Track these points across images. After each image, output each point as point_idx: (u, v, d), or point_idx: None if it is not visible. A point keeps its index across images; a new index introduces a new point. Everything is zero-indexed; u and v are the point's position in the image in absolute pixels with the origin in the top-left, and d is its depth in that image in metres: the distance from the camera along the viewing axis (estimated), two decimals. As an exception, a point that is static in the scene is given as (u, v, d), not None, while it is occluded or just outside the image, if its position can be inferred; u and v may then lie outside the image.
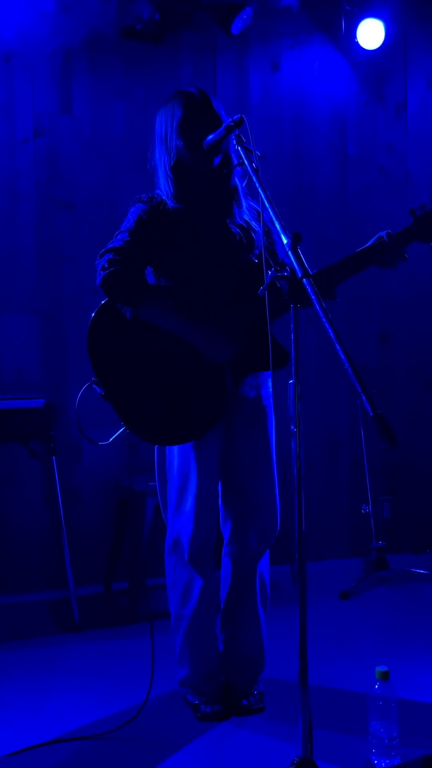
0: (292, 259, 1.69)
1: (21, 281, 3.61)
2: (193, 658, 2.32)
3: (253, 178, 1.89)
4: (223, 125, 2.08)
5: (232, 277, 2.24)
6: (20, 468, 3.51)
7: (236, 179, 2.29)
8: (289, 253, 1.69)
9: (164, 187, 2.28)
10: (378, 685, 2.02)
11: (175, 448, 2.27)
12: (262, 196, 1.83)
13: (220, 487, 2.36)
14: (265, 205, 1.82)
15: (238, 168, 2.23)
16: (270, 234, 2.30)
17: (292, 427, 1.69)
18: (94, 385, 2.19)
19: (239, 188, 2.31)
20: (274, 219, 1.79)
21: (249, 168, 1.93)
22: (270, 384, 2.35)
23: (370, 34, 3.90)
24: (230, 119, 2.07)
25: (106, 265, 2.14)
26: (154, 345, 2.20)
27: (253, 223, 2.32)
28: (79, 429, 2.25)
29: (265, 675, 2.45)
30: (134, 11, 3.68)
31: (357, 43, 3.94)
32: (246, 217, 2.32)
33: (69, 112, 3.66)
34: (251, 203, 2.36)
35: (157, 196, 2.28)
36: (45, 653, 2.85)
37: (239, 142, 2.01)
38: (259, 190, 1.84)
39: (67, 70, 3.64)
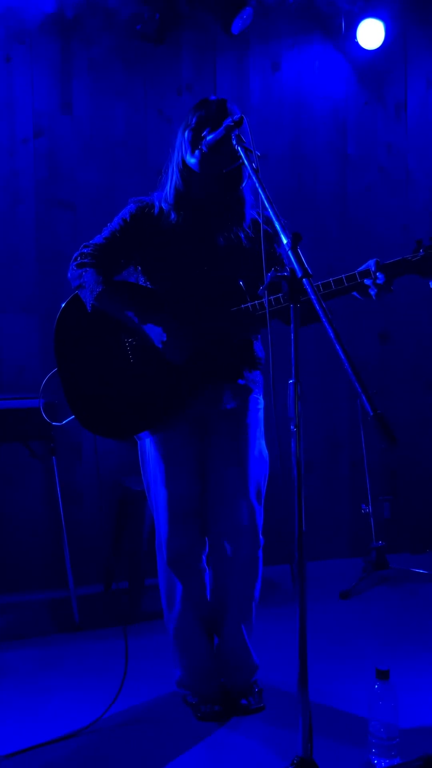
0: (292, 259, 1.69)
1: (21, 281, 3.61)
2: (185, 660, 2.35)
3: (253, 178, 1.89)
4: (223, 125, 2.09)
5: (206, 286, 2.23)
6: (20, 468, 3.51)
7: (246, 192, 2.30)
8: (289, 253, 1.69)
9: (168, 191, 2.30)
10: (378, 685, 2.02)
11: (150, 451, 2.31)
12: (262, 196, 1.83)
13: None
14: (265, 205, 1.82)
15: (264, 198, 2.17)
16: (273, 256, 2.28)
17: (292, 427, 1.68)
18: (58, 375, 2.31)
19: (247, 201, 2.31)
20: (274, 219, 1.79)
21: (249, 168, 1.93)
22: (259, 396, 2.35)
23: (370, 34, 3.90)
24: (230, 119, 2.07)
25: (78, 258, 2.25)
26: (112, 341, 2.26)
27: (245, 241, 2.29)
28: (42, 412, 2.48)
29: (264, 675, 2.45)
30: (134, 11, 3.68)
31: (357, 43, 3.94)
32: (246, 229, 2.29)
33: (69, 112, 3.66)
34: (252, 211, 2.33)
35: (149, 200, 2.33)
36: (45, 653, 2.85)
37: (239, 142, 2.01)
38: (259, 190, 1.84)
39: (67, 70, 3.65)
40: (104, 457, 3.67)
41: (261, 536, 2.34)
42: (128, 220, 2.30)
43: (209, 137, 2.14)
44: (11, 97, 3.57)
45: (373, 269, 1.98)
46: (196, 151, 2.19)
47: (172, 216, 2.27)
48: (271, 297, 2.07)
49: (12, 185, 3.59)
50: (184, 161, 2.25)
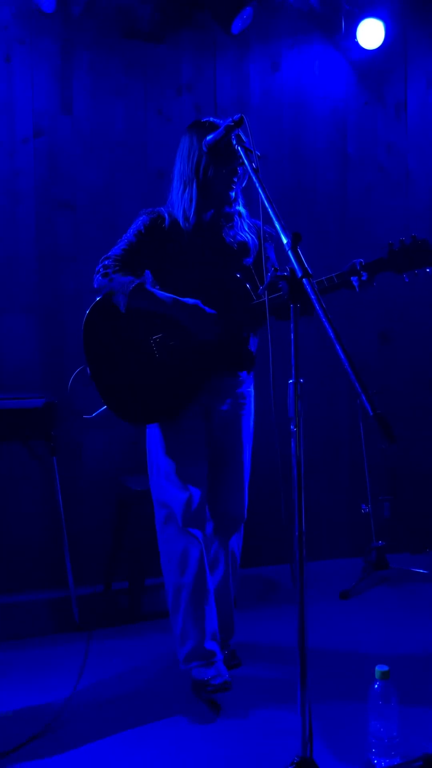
0: (292, 259, 1.69)
1: (21, 281, 3.61)
2: (198, 626, 2.42)
3: (253, 178, 1.90)
4: (223, 125, 2.10)
5: (216, 289, 2.42)
6: (20, 468, 3.51)
7: (241, 201, 2.52)
8: (289, 253, 1.70)
9: (178, 204, 2.46)
10: (378, 685, 2.03)
11: (162, 435, 2.49)
12: (262, 196, 1.83)
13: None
14: (265, 205, 1.82)
15: (242, 196, 2.50)
16: (264, 262, 2.52)
17: (292, 427, 1.69)
18: (87, 368, 2.44)
19: (244, 211, 2.53)
20: (274, 219, 1.79)
21: (249, 168, 1.94)
22: (251, 388, 2.61)
23: (370, 34, 3.90)
24: (230, 119, 2.08)
25: (101, 270, 2.39)
26: (139, 337, 2.42)
27: (249, 236, 2.53)
28: (69, 399, 2.60)
29: (264, 673, 2.44)
30: (134, 11, 3.68)
31: (357, 43, 3.94)
32: (246, 229, 2.53)
33: (69, 112, 3.66)
34: (257, 222, 2.56)
35: (161, 212, 2.48)
36: (45, 653, 2.85)
37: (239, 142, 2.02)
38: (259, 190, 1.84)
39: (67, 70, 3.65)
40: (104, 457, 3.68)
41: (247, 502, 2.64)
42: (143, 230, 2.44)
43: (209, 137, 2.16)
44: (11, 97, 3.57)
45: (358, 268, 2.27)
46: (221, 181, 2.41)
47: (184, 227, 2.43)
48: (272, 296, 2.26)
49: (12, 185, 3.59)
50: (205, 182, 2.40)
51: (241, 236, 2.50)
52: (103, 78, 3.69)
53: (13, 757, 2.09)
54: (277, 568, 3.74)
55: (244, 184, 2.47)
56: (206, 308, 2.36)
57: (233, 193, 2.45)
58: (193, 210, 2.42)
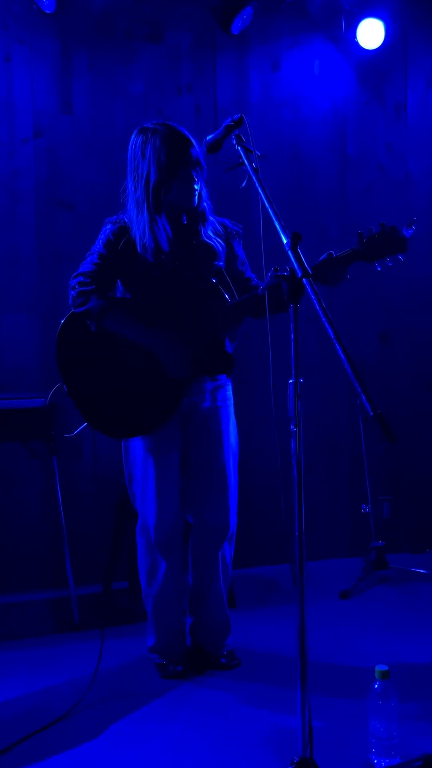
0: (292, 259, 1.69)
1: (21, 281, 3.61)
2: (159, 630, 2.63)
3: (253, 177, 1.90)
4: (223, 125, 2.10)
5: (189, 294, 2.41)
6: (20, 468, 3.51)
7: (204, 202, 2.48)
8: (289, 252, 1.70)
9: (136, 229, 2.42)
10: (378, 685, 2.03)
11: (137, 446, 2.51)
12: (262, 196, 1.83)
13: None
14: (264, 205, 1.82)
15: (205, 188, 2.46)
16: (234, 261, 2.55)
17: (292, 427, 1.69)
18: (64, 385, 2.48)
19: (207, 208, 2.50)
20: (273, 219, 1.79)
21: (249, 168, 1.94)
22: (228, 389, 2.59)
23: (370, 34, 3.90)
24: (230, 118, 2.08)
25: (76, 286, 2.40)
26: (115, 354, 2.43)
27: (215, 239, 2.51)
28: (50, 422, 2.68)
29: (264, 673, 2.45)
30: (134, 11, 3.68)
31: (357, 43, 3.94)
32: (210, 233, 2.51)
33: (69, 112, 3.66)
34: (221, 220, 2.58)
35: (125, 222, 2.47)
36: (45, 653, 2.85)
37: (239, 142, 2.02)
38: (259, 190, 1.85)
39: (67, 70, 3.65)
40: (104, 457, 3.68)
41: (234, 519, 2.59)
42: (112, 240, 2.45)
43: (209, 137, 2.16)
44: (11, 97, 3.57)
45: (331, 260, 2.26)
46: (177, 187, 2.37)
47: (141, 252, 2.41)
48: (248, 295, 2.35)
49: (12, 185, 3.59)
50: (158, 194, 2.36)
51: (208, 240, 2.48)
52: (103, 78, 3.69)
53: (16, 753, 2.09)
54: (277, 568, 3.74)
55: (243, 184, 2.42)
56: (175, 343, 2.37)
57: (195, 199, 2.40)
58: (148, 238, 2.38)
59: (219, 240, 2.51)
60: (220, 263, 2.49)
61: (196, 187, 2.38)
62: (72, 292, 2.40)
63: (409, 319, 4.17)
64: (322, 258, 2.27)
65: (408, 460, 4.13)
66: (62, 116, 3.65)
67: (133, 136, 2.46)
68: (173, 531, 2.53)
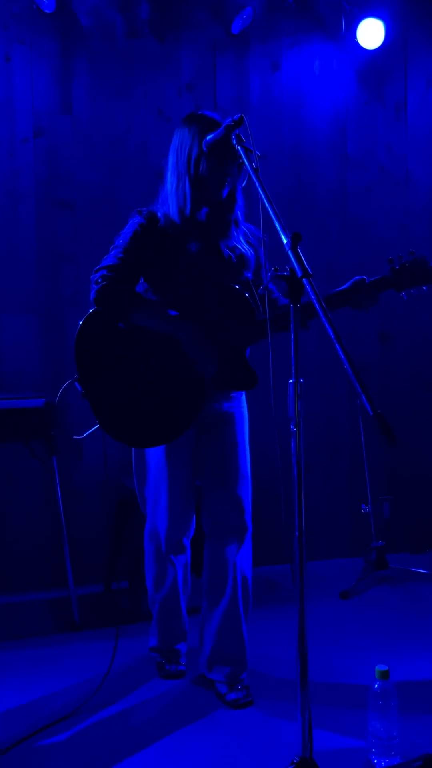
0: (292, 259, 1.69)
1: (21, 281, 3.61)
2: (162, 633, 2.62)
3: (253, 177, 1.89)
4: (223, 125, 2.09)
5: (216, 299, 2.32)
6: (20, 468, 3.51)
7: (239, 210, 2.40)
8: (289, 252, 1.69)
9: (172, 198, 2.33)
10: (378, 685, 2.03)
11: (150, 455, 2.45)
12: (262, 196, 1.83)
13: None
14: (264, 205, 1.82)
15: (241, 197, 2.38)
16: (258, 271, 2.45)
17: (292, 427, 1.69)
18: (75, 383, 2.31)
19: (240, 214, 2.42)
20: (273, 219, 1.79)
21: (249, 168, 1.93)
22: (242, 395, 2.51)
23: (370, 33, 3.90)
24: (230, 118, 2.07)
25: (100, 281, 2.24)
26: (137, 356, 2.30)
27: (246, 248, 2.43)
28: (55, 421, 2.40)
29: (264, 674, 2.44)
30: (134, 11, 3.68)
31: (357, 42, 3.94)
32: (242, 239, 2.42)
33: (69, 112, 3.66)
34: (250, 227, 2.48)
35: (154, 211, 2.36)
36: (45, 653, 2.85)
37: (239, 142, 2.01)
38: (259, 190, 1.84)
39: (67, 69, 3.65)
40: (104, 457, 3.67)
41: (250, 522, 2.50)
42: (139, 232, 2.32)
43: (209, 137, 2.15)
44: (11, 97, 3.57)
45: (364, 286, 2.27)
46: (219, 180, 2.28)
47: (178, 228, 2.32)
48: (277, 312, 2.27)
49: (12, 185, 3.59)
50: (199, 178, 2.28)
51: (239, 249, 2.40)
52: (103, 78, 3.69)
53: (15, 752, 2.10)
54: (277, 568, 3.74)
55: (244, 184, 2.39)
56: (207, 340, 2.28)
57: (226, 192, 2.32)
58: (188, 205, 2.29)
59: (250, 249, 2.44)
60: (249, 274, 2.41)
61: (228, 180, 2.30)
62: (95, 286, 2.24)
63: (409, 319, 4.17)
64: (354, 280, 2.29)
65: (408, 460, 4.13)
66: (62, 116, 3.65)
67: (180, 126, 2.38)
68: (184, 539, 2.52)
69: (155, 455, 2.45)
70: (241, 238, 2.42)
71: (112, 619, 3.18)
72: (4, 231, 3.58)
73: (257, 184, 1.86)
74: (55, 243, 3.65)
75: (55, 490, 3.11)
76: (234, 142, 2.03)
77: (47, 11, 3.51)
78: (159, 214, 2.35)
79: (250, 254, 2.42)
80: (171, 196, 2.34)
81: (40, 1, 3.46)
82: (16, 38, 3.56)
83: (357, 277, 2.28)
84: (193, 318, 2.30)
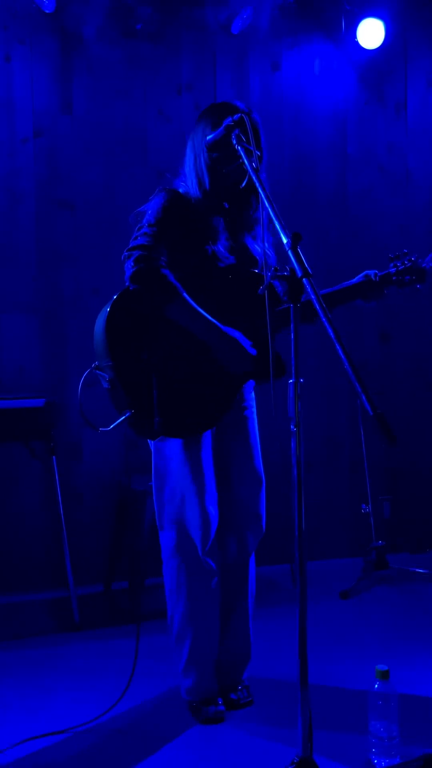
0: (292, 259, 1.68)
1: (21, 281, 3.61)
2: (201, 664, 2.30)
3: (253, 177, 1.89)
4: (223, 125, 2.09)
5: (240, 287, 2.24)
6: (20, 468, 3.51)
7: (261, 212, 2.28)
8: (289, 252, 1.69)
9: (191, 172, 2.27)
10: (378, 685, 2.02)
11: (174, 455, 2.27)
12: (262, 196, 1.83)
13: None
14: (265, 204, 1.82)
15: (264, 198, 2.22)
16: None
17: (292, 427, 1.68)
18: (96, 371, 2.16)
19: (264, 217, 2.28)
20: (273, 218, 1.79)
21: (249, 167, 1.93)
22: (252, 392, 2.44)
23: (370, 33, 3.90)
24: (230, 118, 2.07)
25: (134, 262, 2.10)
26: (171, 342, 2.17)
27: (260, 251, 2.34)
28: (81, 415, 2.19)
29: (264, 674, 2.45)
30: (134, 11, 3.68)
31: (357, 42, 3.94)
32: (265, 242, 2.33)
33: (69, 112, 3.66)
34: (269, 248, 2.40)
35: (177, 186, 2.29)
36: (45, 653, 2.85)
37: (239, 142, 2.01)
38: (259, 189, 1.84)
39: (67, 69, 3.65)
40: (104, 457, 3.68)
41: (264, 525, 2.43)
42: (168, 207, 2.20)
43: (209, 137, 2.15)
44: (11, 97, 3.57)
45: (374, 279, 2.31)
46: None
47: (200, 192, 2.25)
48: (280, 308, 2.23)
49: (12, 185, 3.59)
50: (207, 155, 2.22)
51: (258, 251, 2.34)
52: (103, 78, 3.69)
53: (16, 752, 2.10)
54: (277, 568, 3.74)
55: (243, 184, 2.36)
56: (245, 344, 2.19)
57: (243, 184, 2.22)
58: (206, 177, 2.21)
59: (272, 253, 2.40)
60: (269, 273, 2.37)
61: (244, 176, 2.22)
62: (134, 266, 2.09)
63: (409, 319, 4.17)
64: (358, 279, 2.33)
65: (408, 460, 4.13)
66: (62, 116, 3.65)
67: (201, 117, 2.33)
68: (216, 537, 2.32)
69: (178, 455, 2.28)
70: (265, 244, 2.33)
71: (112, 619, 3.18)
72: (4, 231, 3.58)
73: (257, 184, 1.86)
74: (55, 243, 3.65)
75: (55, 490, 3.11)
76: (234, 142, 2.02)
77: (47, 11, 3.51)
78: (181, 191, 2.28)
79: (260, 256, 2.34)
80: (189, 170, 2.28)
81: (40, 1, 3.46)
82: (16, 38, 3.56)
83: (368, 271, 2.34)
84: (214, 303, 2.20)
